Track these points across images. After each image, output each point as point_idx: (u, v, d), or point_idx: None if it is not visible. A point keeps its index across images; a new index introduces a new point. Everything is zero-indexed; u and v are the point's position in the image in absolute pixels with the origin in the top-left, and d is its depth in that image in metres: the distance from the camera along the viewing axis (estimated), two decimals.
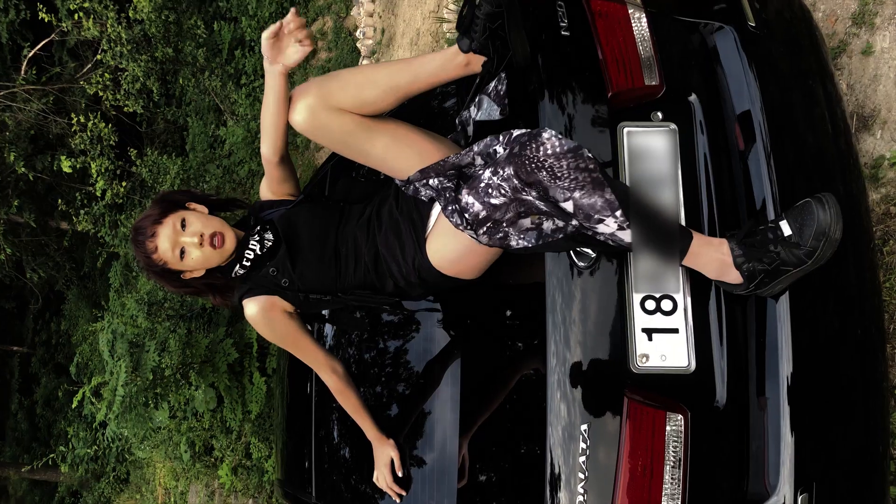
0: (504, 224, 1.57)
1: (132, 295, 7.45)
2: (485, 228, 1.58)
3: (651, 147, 1.65)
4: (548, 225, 1.58)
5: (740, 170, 1.66)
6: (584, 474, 1.52)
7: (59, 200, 8.24)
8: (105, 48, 7.55)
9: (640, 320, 1.57)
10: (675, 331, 1.57)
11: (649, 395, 1.53)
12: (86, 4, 7.34)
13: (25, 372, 12.28)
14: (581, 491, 1.51)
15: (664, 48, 1.71)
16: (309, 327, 2.14)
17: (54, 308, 11.60)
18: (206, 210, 2.01)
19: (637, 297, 1.58)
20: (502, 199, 1.51)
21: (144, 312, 7.04)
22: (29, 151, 8.44)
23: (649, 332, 1.57)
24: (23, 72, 8.54)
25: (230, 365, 6.38)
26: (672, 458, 1.49)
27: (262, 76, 7.63)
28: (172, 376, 6.21)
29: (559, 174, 1.43)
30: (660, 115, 1.67)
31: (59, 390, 10.08)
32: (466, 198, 1.56)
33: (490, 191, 1.51)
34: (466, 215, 1.57)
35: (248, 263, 1.98)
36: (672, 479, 1.49)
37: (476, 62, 1.74)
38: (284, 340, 2.04)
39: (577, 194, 1.46)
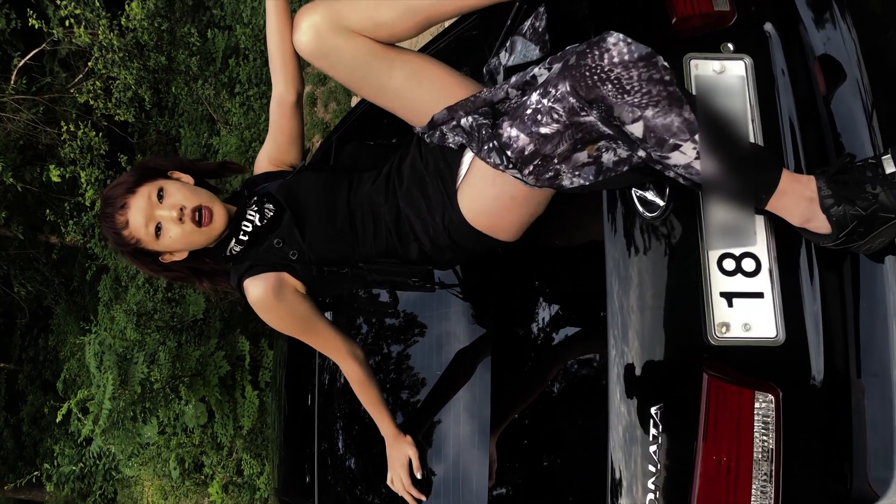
0: (555, 160, 1.27)
1: (121, 306, 7.12)
2: (532, 166, 1.27)
3: (722, 82, 1.37)
4: (608, 157, 1.28)
5: (825, 109, 1.38)
6: (656, 467, 1.22)
7: (48, 211, 7.92)
8: (96, 56, 7.29)
9: (718, 283, 1.28)
10: (760, 295, 1.28)
11: (732, 372, 1.24)
12: (77, 12, 7.10)
13: (12, 389, 11.82)
14: (652, 487, 1.21)
15: None
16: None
17: (42, 323, 11.21)
18: (191, 180, 1.69)
19: (713, 255, 1.29)
20: (554, 127, 1.21)
21: (133, 323, 6.71)
22: (18, 162, 8.12)
23: (729, 296, 1.28)
24: (12, 81, 8.25)
25: (221, 378, 6.10)
26: (761, 448, 1.20)
27: (256, 84, 7.41)
28: (162, 390, 5.91)
29: (628, 87, 1.14)
30: (731, 46, 1.39)
31: (45, 407, 9.67)
32: (508, 131, 1.26)
33: (539, 117, 1.21)
34: (508, 152, 1.27)
35: (246, 238, 1.64)
36: (762, 473, 1.19)
37: None
38: (298, 326, 1.69)
39: (649, 112, 1.17)
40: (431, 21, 1.48)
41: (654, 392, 1.25)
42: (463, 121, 1.43)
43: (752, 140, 1.34)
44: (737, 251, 1.29)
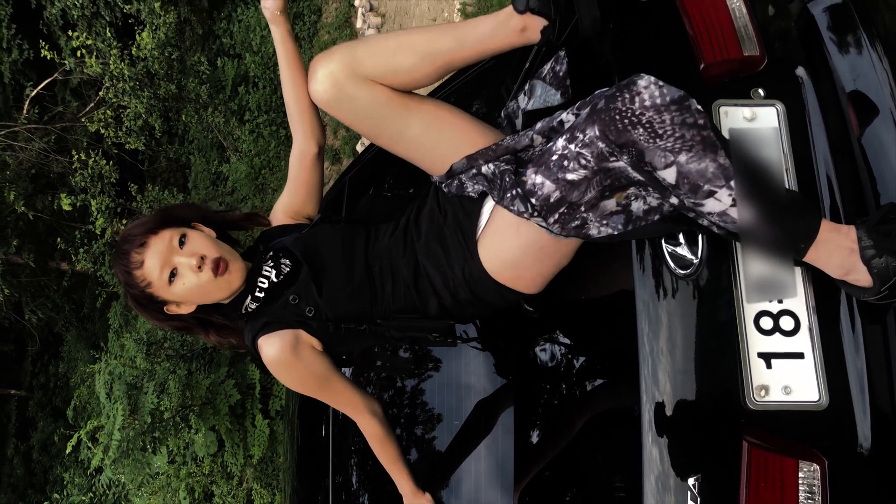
0: (582, 207, 1.20)
1: (131, 335, 7.05)
2: (557, 214, 1.21)
3: (754, 129, 1.30)
4: (638, 205, 1.21)
5: (861, 157, 1.31)
6: None
7: (59, 239, 7.90)
8: (108, 85, 7.29)
9: (756, 343, 1.20)
10: (800, 355, 1.20)
11: (773, 439, 1.16)
12: (89, 42, 7.11)
13: (22, 416, 11.76)
14: None
15: (761, 13, 1.37)
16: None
17: (53, 350, 11.16)
18: (213, 233, 1.61)
19: (750, 313, 1.21)
20: (582, 173, 1.15)
21: (143, 353, 6.65)
22: (29, 191, 8.11)
23: (767, 357, 1.20)
24: (25, 111, 8.27)
25: (232, 407, 6.02)
26: None
27: (266, 112, 7.39)
28: (172, 419, 5.84)
29: (660, 131, 1.08)
30: (761, 91, 1.32)
31: (55, 435, 9.60)
32: (533, 177, 1.19)
33: (566, 163, 1.15)
34: (533, 200, 1.20)
35: (262, 294, 1.56)
36: None
37: (533, 28, 1.40)
38: (315, 384, 1.61)
39: (682, 157, 1.10)
40: (451, 67, 1.42)
41: (691, 462, 1.17)
42: (484, 168, 1.36)
43: (788, 187, 1.26)
44: (774, 308, 1.21)
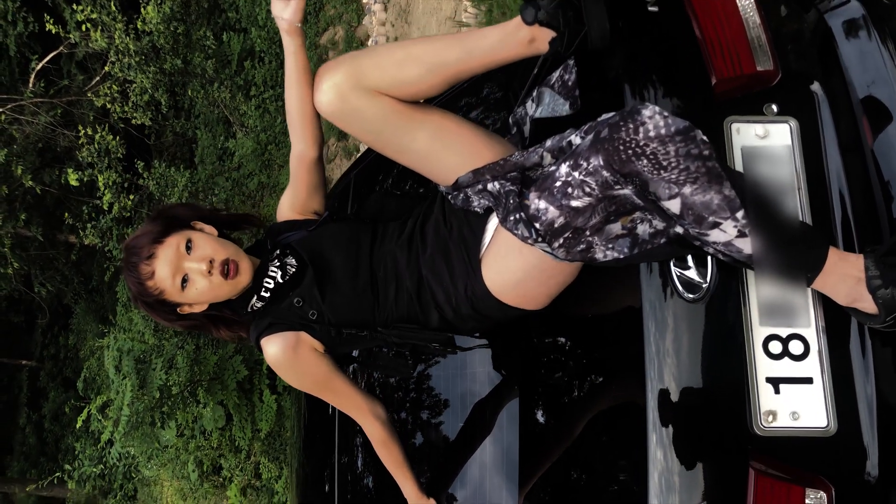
0: (587, 232, 1.17)
1: (139, 310, 7.07)
2: (562, 239, 1.18)
3: (766, 147, 1.27)
4: (643, 228, 1.19)
5: (877, 177, 1.28)
6: None
7: (66, 214, 7.90)
8: (113, 60, 7.23)
9: (764, 367, 1.19)
10: (809, 381, 1.18)
11: (780, 466, 1.15)
12: (94, 16, 7.04)
13: (34, 386, 11.90)
14: None
15: (776, 25, 1.33)
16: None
17: (62, 322, 11.24)
18: (215, 231, 1.61)
19: (759, 337, 1.20)
20: (586, 200, 1.12)
21: (151, 329, 6.69)
22: (37, 164, 8.10)
23: (775, 382, 1.18)
24: (31, 84, 8.22)
25: (239, 382, 6.06)
26: None
27: (272, 87, 7.33)
28: (180, 394, 5.88)
29: (664, 163, 1.05)
30: (774, 107, 1.29)
31: (66, 405, 9.70)
32: (536, 202, 1.17)
33: (569, 190, 1.12)
34: (537, 224, 1.18)
35: (268, 294, 1.56)
36: None
37: (542, 39, 1.36)
38: (315, 385, 1.63)
39: (686, 189, 1.08)
40: (458, 78, 1.39)
41: (697, 488, 1.16)
42: (490, 185, 1.33)
43: (798, 213, 1.24)
44: (784, 332, 1.20)
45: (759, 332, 1.20)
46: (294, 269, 1.57)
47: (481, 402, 1.75)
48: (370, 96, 1.34)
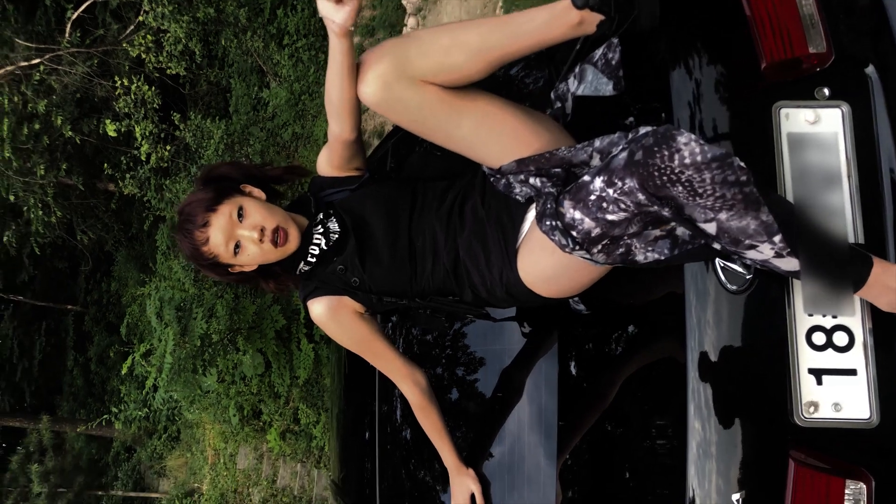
0: (626, 238, 1.18)
1: (178, 260, 7.21)
2: (600, 246, 1.19)
3: (815, 134, 1.24)
4: (683, 230, 1.18)
5: None
6: None
7: (105, 164, 8.00)
8: (147, 9, 7.20)
9: (807, 358, 1.18)
10: (852, 372, 1.18)
11: (820, 456, 1.16)
12: None
13: (79, 330, 12.25)
14: None
15: (829, 4, 1.29)
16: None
17: (104, 269, 11.49)
18: (263, 195, 1.66)
19: (802, 328, 1.19)
20: (622, 215, 1.12)
21: (191, 278, 6.81)
22: (75, 115, 8.17)
23: (818, 373, 1.18)
24: (67, 34, 8.23)
25: (278, 331, 6.17)
26: None
27: (305, 36, 7.25)
28: (220, 342, 6.01)
29: (700, 190, 1.04)
30: (826, 91, 1.25)
31: (110, 350, 9.99)
32: (571, 212, 1.17)
33: (604, 205, 1.12)
34: (574, 233, 1.18)
35: (314, 260, 1.64)
36: None
37: (590, 22, 1.33)
38: (358, 345, 1.72)
39: (723, 215, 1.07)
40: (503, 61, 1.37)
41: (736, 477, 1.17)
42: (532, 179, 1.33)
43: (849, 200, 1.21)
44: (828, 323, 1.19)
45: (803, 324, 1.19)
46: (337, 236, 1.63)
47: (522, 375, 1.77)
48: (415, 86, 1.33)
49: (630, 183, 1.07)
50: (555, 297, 1.49)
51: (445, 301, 1.63)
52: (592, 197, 1.12)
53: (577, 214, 1.15)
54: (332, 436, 3.20)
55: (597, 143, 1.23)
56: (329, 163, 1.70)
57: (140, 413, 7.58)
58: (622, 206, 1.10)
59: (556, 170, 1.28)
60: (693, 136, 1.02)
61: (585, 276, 1.42)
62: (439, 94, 1.34)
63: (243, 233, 1.55)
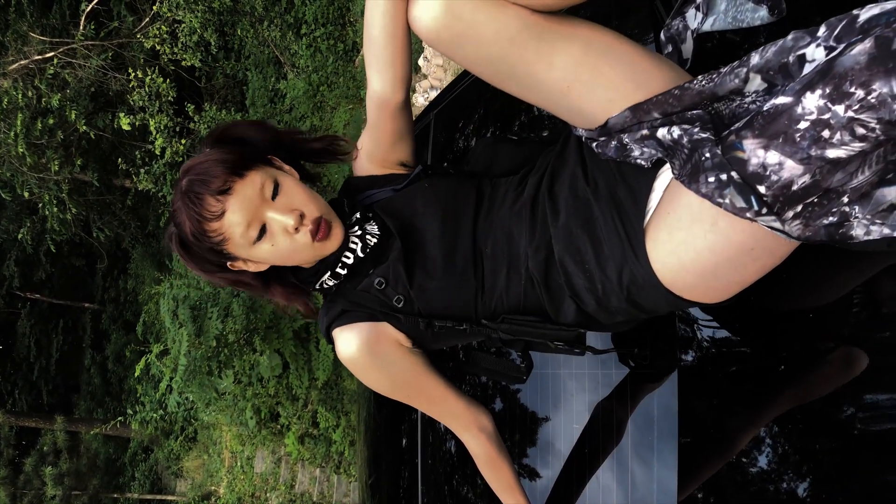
0: (845, 198, 0.74)
1: (175, 253, 6.86)
2: (801, 207, 0.75)
3: None
4: None
5: None
6: None
7: (120, 160, 7.68)
8: None
9: None
10: None
11: None
12: None
13: (97, 328, 12.00)
14: None
15: None
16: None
17: (121, 266, 11.25)
18: (297, 175, 1.17)
19: None
20: (856, 147, 0.68)
21: None
22: (90, 109, 7.85)
23: None
24: (81, 27, 7.91)
25: (296, 331, 5.86)
26: None
27: (323, 25, 6.86)
28: (236, 342, 5.69)
29: None
30: None
31: (127, 349, 9.70)
32: (761, 154, 0.73)
33: (826, 133, 0.68)
34: (761, 187, 0.75)
35: (345, 271, 1.16)
36: None
37: None
38: (401, 389, 1.22)
39: None
40: None
41: None
42: (661, 132, 0.89)
43: None
44: None
45: None
46: (376, 241, 1.16)
47: (616, 396, 1.34)
48: (492, 6, 0.90)
49: (882, 86, 0.64)
50: (699, 301, 1.00)
51: (526, 321, 1.13)
52: (803, 125, 0.69)
53: (773, 156, 0.72)
54: (360, 439, 2.78)
55: (755, 58, 0.78)
56: (370, 156, 1.24)
57: (156, 414, 7.25)
58: (860, 130, 0.66)
59: (695, 111, 0.84)
60: None
61: (751, 266, 0.92)
62: (526, 18, 0.91)
63: (274, 216, 1.07)
